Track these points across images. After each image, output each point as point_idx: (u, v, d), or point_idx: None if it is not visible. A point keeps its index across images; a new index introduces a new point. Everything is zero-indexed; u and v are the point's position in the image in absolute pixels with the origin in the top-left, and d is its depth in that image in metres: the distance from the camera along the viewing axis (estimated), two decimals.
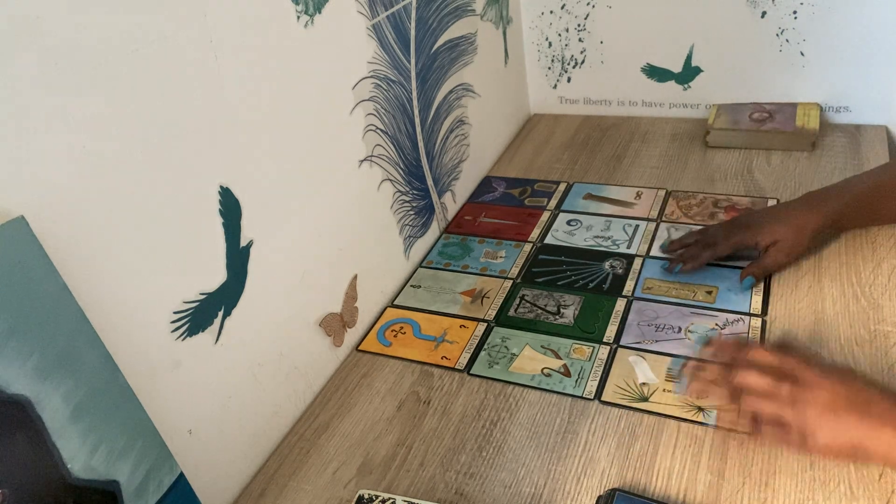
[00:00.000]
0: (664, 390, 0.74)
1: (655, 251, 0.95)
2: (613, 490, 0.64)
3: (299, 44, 0.71)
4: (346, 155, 0.82)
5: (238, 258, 0.67)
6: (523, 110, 1.37)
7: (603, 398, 0.75)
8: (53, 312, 0.47)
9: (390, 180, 0.91)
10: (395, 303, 0.94)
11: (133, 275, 0.56)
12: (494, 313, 0.89)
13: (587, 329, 0.84)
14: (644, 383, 0.75)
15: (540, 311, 0.88)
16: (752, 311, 0.82)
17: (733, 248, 0.87)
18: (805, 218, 0.84)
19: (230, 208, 0.65)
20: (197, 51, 0.59)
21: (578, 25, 1.26)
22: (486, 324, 0.87)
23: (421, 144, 0.98)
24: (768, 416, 0.60)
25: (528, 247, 1.00)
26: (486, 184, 1.18)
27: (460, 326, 0.88)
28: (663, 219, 1.01)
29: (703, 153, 1.16)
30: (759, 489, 0.63)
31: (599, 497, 0.65)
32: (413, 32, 0.92)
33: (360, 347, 0.87)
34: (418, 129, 0.97)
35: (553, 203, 1.09)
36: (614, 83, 1.30)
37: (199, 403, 0.65)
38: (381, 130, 0.88)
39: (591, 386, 0.76)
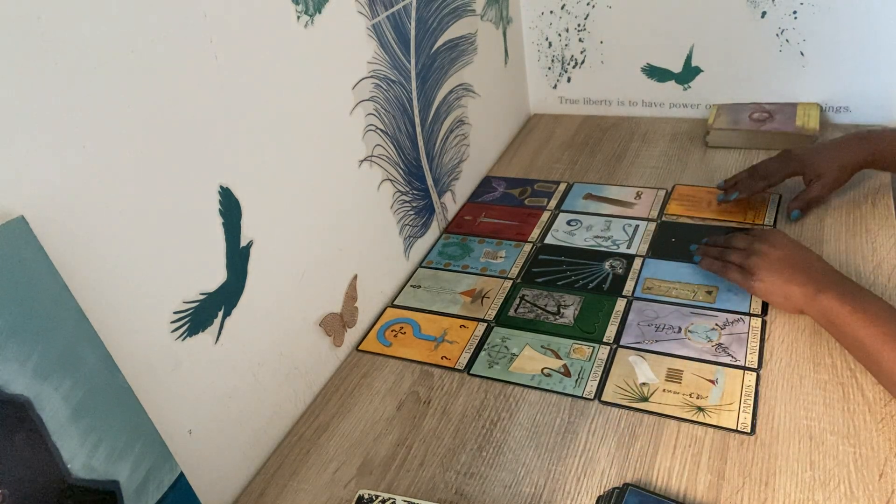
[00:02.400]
0: (664, 390, 0.74)
1: (655, 251, 0.95)
2: (626, 485, 0.64)
3: (299, 44, 0.71)
4: (346, 155, 0.82)
5: (238, 258, 0.67)
6: (523, 110, 1.37)
7: (603, 398, 0.75)
8: (53, 312, 0.47)
9: (390, 180, 0.91)
10: (395, 303, 0.94)
11: (133, 275, 0.56)
12: (494, 313, 0.89)
13: (587, 329, 0.84)
14: (644, 383, 0.75)
15: (540, 311, 0.88)
16: (751, 311, 0.82)
17: (786, 178, 0.96)
18: (849, 156, 0.92)
19: (230, 208, 0.65)
20: (197, 51, 0.59)
21: (578, 25, 1.26)
22: (486, 324, 0.87)
23: (421, 144, 0.98)
24: (735, 262, 0.82)
25: (528, 247, 1.00)
26: (486, 184, 1.18)
27: (460, 326, 0.88)
28: (663, 219, 1.01)
29: (703, 153, 1.16)
30: (759, 489, 0.63)
31: (600, 497, 0.65)
32: (413, 32, 0.92)
33: (360, 347, 0.87)
34: (418, 129, 0.97)
35: (553, 203, 1.09)
36: (614, 83, 1.30)
37: (199, 403, 0.65)
38: (381, 130, 0.88)
39: (591, 386, 0.76)
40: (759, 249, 0.80)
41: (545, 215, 1.07)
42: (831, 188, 0.94)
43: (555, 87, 1.35)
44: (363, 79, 0.83)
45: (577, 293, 0.90)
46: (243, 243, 0.67)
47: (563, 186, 1.13)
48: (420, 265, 1.00)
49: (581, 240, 1.00)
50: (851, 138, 0.94)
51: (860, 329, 0.68)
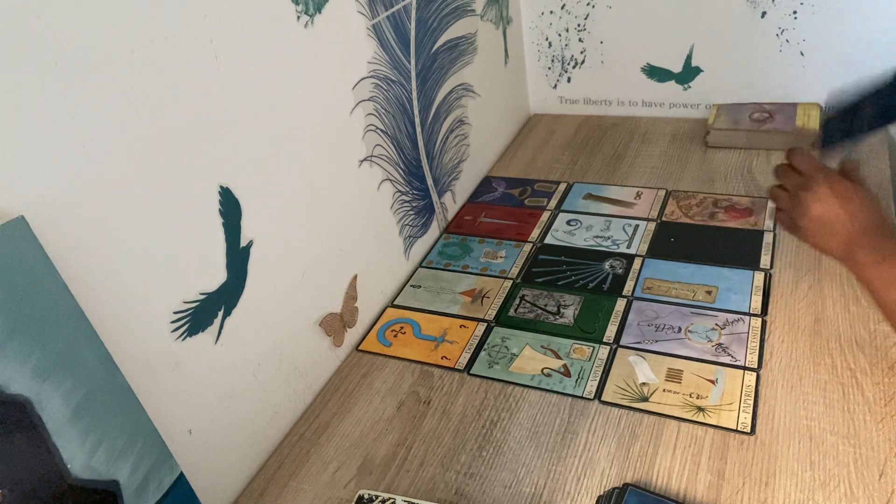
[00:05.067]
0: (664, 390, 0.74)
1: (655, 251, 0.95)
2: (626, 485, 0.64)
3: (299, 44, 0.71)
4: (346, 155, 0.82)
5: (238, 258, 0.67)
6: (523, 110, 1.37)
7: (603, 398, 0.75)
8: (53, 312, 0.47)
9: (390, 180, 0.91)
10: (395, 303, 0.94)
11: (133, 275, 0.56)
12: (494, 313, 0.89)
13: (587, 329, 0.84)
14: (644, 383, 0.75)
15: (540, 311, 0.88)
16: (751, 311, 0.82)
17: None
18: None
19: (230, 208, 0.65)
20: (197, 51, 0.59)
21: (578, 25, 1.26)
22: (486, 324, 0.87)
23: (421, 144, 0.98)
24: (783, 208, 0.78)
25: (528, 247, 1.00)
26: (486, 184, 1.18)
27: (460, 326, 0.88)
28: (663, 219, 1.01)
29: (703, 153, 1.16)
30: (759, 489, 0.63)
31: (600, 497, 0.65)
32: (413, 32, 0.92)
33: (360, 347, 0.87)
34: (418, 129, 0.97)
35: (553, 203, 1.09)
36: (614, 83, 1.30)
37: (199, 403, 0.65)
38: (381, 130, 0.88)
39: (591, 386, 0.76)
40: (802, 200, 0.73)
41: (545, 215, 1.07)
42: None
43: (555, 87, 1.35)
44: (363, 79, 0.83)
45: (577, 293, 0.90)
46: (243, 243, 0.67)
47: (563, 186, 1.13)
48: (420, 265, 1.00)
49: (581, 240, 1.00)
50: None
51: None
